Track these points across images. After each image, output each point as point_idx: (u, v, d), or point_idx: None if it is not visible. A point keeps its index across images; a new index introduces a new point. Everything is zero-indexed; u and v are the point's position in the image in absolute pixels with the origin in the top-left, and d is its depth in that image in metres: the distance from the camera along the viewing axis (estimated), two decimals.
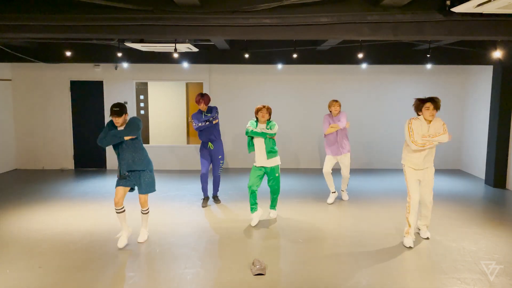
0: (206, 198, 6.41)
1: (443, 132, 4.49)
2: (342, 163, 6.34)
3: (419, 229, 5.07)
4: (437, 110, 4.50)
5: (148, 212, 4.86)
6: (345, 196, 6.71)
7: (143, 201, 4.73)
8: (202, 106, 6.14)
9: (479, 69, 8.49)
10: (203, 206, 6.27)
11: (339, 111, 6.22)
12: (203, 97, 6.11)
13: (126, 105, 4.55)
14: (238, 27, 4.12)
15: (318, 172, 8.77)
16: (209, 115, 6.14)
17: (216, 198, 6.52)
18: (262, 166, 5.44)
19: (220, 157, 6.28)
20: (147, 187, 4.67)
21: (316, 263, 4.28)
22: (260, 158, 5.42)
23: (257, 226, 5.40)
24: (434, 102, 4.48)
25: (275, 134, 5.38)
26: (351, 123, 9.19)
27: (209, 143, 6.24)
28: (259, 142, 5.40)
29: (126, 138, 4.44)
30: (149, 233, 5.02)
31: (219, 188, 6.75)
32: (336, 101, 6.24)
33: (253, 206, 5.47)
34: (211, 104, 8.58)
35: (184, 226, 5.38)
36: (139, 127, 4.51)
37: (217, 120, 6.14)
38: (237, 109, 9.21)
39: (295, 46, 6.95)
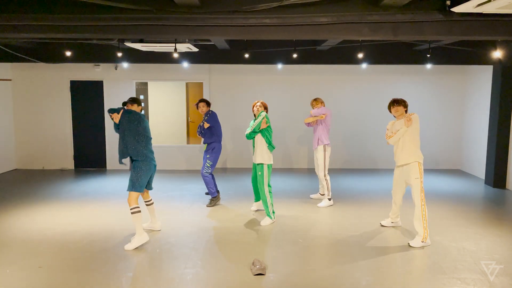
0: (212, 200, 6.36)
1: (403, 125, 4.84)
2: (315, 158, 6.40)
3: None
4: (402, 106, 4.93)
5: (133, 213, 4.61)
6: (321, 203, 6.28)
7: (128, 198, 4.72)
8: (201, 110, 6.34)
9: (479, 69, 8.49)
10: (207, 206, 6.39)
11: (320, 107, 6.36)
12: (198, 103, 6.36)
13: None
14: (238, 27, 4.12)
15: None
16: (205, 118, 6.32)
17: (210, 202, 6.34)
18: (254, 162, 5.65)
19: (208, 156, 6.24)
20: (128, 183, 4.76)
21: (316, 263, 4.28)
22: (253, 153, 5.66)
23: (257, 227, 5.41)
24: (394, 102, 4.97)
25: (259, 126, 5.40)
26: (352, 123, 9.21)
27: (205, 145, 6.36)
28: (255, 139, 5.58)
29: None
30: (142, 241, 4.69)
31: (218, 194, 6.51)
32: (316, 99, 6.40)
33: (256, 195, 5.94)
34: (214, 106, 8.67)
35: (184, 226, 5.38)
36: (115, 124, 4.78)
37: (208, 124, 6.21)
38: (237, 109, 9.21)
39: (295, 46, 6.95)
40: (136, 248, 4.61)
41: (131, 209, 4.62)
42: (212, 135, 6.26)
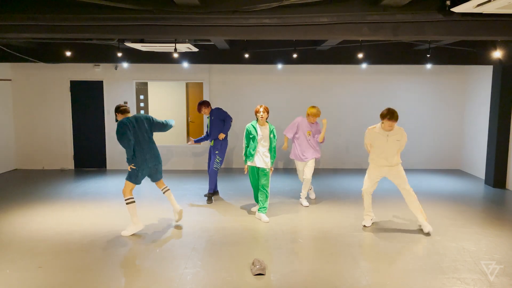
0: (208, 194, 6.53)
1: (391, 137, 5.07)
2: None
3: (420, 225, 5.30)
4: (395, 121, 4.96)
5: (128, 203, 4.96)
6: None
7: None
8: (204, 112, 6.53)
9: (479, 69, 8.49)
10: (207, 203, 6.45)
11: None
12: (200, 107, 6.54)
13: (121, 105, 5.08)
14: (238, 27, 4.12)
15: (318, 172, 8.77)
16: (212, 118, 6.45)
17: (208, 198, 6.47)
18: (255, 166, 5.73)
19: (217, 152, 6.40)
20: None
21: (316, 263, 4.28)
22: (260, 158, 5.68)
23: (256, 226, 5.41)
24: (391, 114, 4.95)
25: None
26: (353, 123, 9.21)
27: (212, 141, 6.52)
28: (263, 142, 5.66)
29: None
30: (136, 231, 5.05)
31: (217, 189, 6.79)
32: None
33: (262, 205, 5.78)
34: (214, 106, 8.67)
35: (184, 226, 5.38)
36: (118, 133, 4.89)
37: (223, 135, 6.39)
38: (237, 109, 9.19)
39: (295, 46, 6.95)
40: (135, 248, 4.61)
41: (125, 199, 4.98)
42: (221, 129, 6.40)
